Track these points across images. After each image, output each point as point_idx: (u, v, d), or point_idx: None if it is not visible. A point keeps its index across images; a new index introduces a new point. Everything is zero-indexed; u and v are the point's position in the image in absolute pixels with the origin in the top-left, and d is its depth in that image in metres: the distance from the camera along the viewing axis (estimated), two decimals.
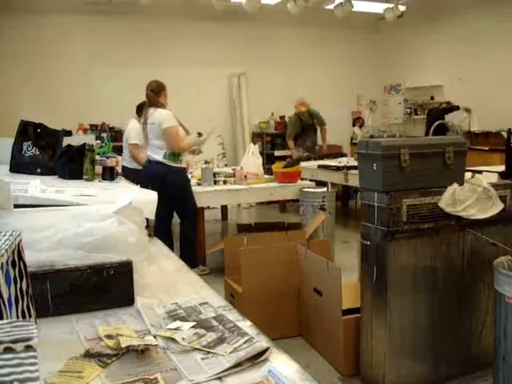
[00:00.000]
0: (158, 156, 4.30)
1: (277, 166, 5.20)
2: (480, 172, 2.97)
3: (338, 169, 5.82)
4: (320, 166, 6.15)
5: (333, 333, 2.80)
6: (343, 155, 7.52)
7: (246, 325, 1.24)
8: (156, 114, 4.27)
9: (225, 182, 4.84)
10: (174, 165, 4.31)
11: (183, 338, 1.14)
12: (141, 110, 4.85)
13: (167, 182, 4.24)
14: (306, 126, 7.05)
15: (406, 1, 7.73)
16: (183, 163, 4.53)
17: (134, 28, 7.81)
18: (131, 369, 1.02)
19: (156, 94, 4.34)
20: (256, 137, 8.71)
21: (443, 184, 2.44)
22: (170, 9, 7.76)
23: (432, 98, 8.91)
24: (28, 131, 3.49)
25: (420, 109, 9.21)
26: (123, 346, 1.06)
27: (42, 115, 4.62)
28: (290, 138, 7.12)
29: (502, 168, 2.93)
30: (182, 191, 4.42)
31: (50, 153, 3.43)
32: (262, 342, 1.12)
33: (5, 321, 0.67)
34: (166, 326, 1.22)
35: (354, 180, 5.39)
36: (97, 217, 1.46)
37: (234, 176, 4.93)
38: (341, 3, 7.27)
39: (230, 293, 3.39)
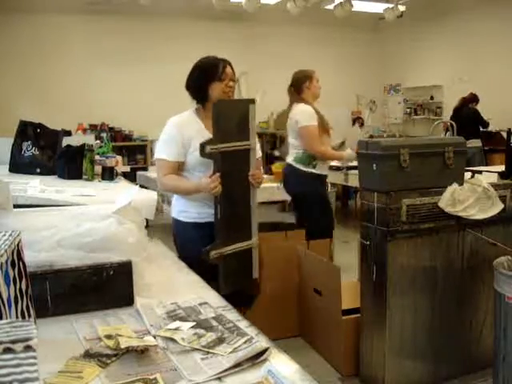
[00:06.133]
0: (289, 157, 3.67)
1: (277, 166, 5.19)
2: (480, 172, 2.97)
3: (337, 169, 5.82)
4: None
5: (333, 333, 2.80)
6: None
7: (245, 325, 1.24)
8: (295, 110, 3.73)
9: None
10: (302, 168, 3.56)
11: (183, 338, 1.14)
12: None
13: (288, 185, 3.74)
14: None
15: (406, 1, 7.72)
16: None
17: (134, 28, 7.81)
18: (131, 369, 1.02)
19: (296, 90, 3.83)
20: None
21: (443, 184, 2.44)
22: (169, 9, 7.76)
23: (432, 98, 8.91)
24: (27, 131, 3.49)
25: (420, 109, 9.21)
26: (122, 346, 1.06)
27: (42, 115, 4.62)
28: None
29: (501, 168, 2.92)
30: (303, 201, 3.63)
31: (50, 153, 3.43)
32: (262, 342, 1.12)
33: (4, 321, 0.67)
34: (166, 326, 1.22)
35: (353, 180, 5.38)
36: (96, 217, 1.46)
37: None
38: (340, 3, 7.27)
39: None
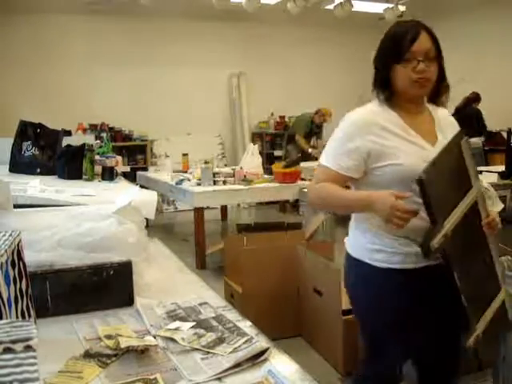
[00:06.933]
0: None
1: (277, 166, 5.20)
2: (480, 172, 2.97)
3: None
4: None
5: (332, 333, 2.80)
6: None
7: (245, 325, 1.24)
8: None
9: (224, 182, 4.84)
10: None
11: (183, 338, 1.14)
12: None
13: None
14: (312, 131, 7.31)
15: (406, 1, 7.72)
16: None
17: (134, 28, 7.80)
18: (131, 369, 1.02)
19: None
20: (256, 137, 8.72)
21: None
22: (169, 9, 7.75)
23: None
24: (27, 131, 3.49)
25: None
26: (123, 346, 1.06)
27: (42, 115, 4.62)
28: (301, 136, 7.21)
29: (501, 168, 2.92)
30: None
31: (50, 153, 3.43)
32: (262, 342, 1.12)
33: (4, 321, 0.67)
34: (166, 326, 1.22)
35: None
36: (96, 217, 1.46)
37: (234, 176, 4.93)
38: (340, 3, 7.26)
39: (229, 293, 3.39)
